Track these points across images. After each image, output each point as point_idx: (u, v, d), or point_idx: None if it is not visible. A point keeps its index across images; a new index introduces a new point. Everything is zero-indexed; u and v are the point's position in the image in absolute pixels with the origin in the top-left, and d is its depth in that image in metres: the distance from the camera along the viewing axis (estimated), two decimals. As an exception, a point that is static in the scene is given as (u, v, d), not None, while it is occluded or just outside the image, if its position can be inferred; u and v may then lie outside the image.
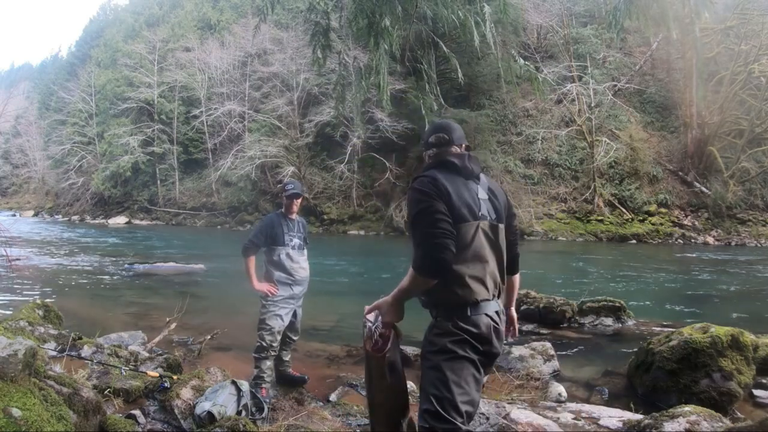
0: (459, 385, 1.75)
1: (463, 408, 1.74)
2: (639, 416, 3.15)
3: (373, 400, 1.98)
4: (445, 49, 5.82)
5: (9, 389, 2.10)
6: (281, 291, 3.72)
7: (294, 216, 3.90)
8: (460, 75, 6.02)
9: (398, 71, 19.08)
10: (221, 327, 5.48)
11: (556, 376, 4.38)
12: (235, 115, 31.04)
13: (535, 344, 4.76)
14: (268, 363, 3.66)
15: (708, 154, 22.48)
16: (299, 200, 3.87)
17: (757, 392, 3.81)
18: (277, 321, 3.68)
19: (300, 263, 3.83)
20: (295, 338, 4.01)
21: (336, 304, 7.86)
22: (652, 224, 21.47)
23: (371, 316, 1.88)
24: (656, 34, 23.61)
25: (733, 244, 20.15)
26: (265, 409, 3.18)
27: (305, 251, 3.94)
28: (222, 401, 2.91)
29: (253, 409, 3.17)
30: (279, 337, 3.70)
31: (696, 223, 21.58)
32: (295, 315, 3.88)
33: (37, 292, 8.26)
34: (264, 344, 3.64)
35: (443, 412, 1.71)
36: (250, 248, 3.73)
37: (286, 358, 3.98)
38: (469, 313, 1.80)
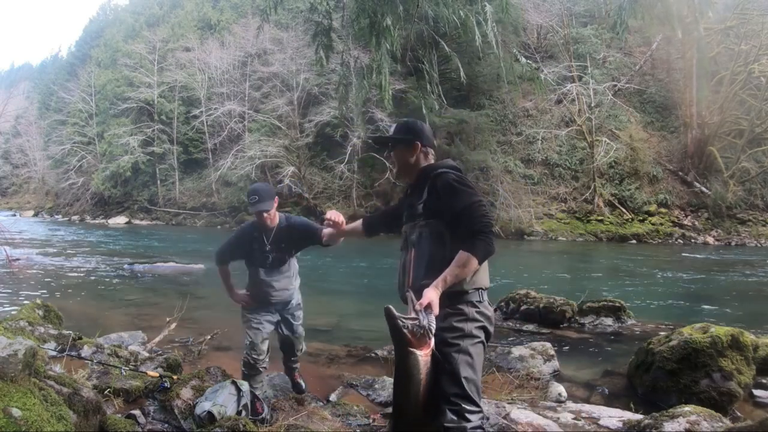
0: (480, 368, 1.89)
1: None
2: (639, 416, 3.15)
3: (412, 398, 1.77)
4: (447, 48, 5.83)
5: (9, 389, 2.09)
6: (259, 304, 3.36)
7: (274, 224, 3.23)
8: (462, 75, 6.02)
9: (398, 71, 19.09)
10: (221, 327, 5.48)
11: (556, 376, 4.38)
12: (235, 115, 31.03)
13: (535, 344, 4.76)
14: (259, 378, 3.37)
15: (708, 154, 22.48)
16: (271, 212, 3.15)
17: (757, 392, 3.81)
18: (256, 332, 3.29)
19: (274, 286, 3.27)
20: (299, 347, 3.61)
21: (336, 304, 7.86)
22: (652, 224, 21.46)
23: (414, 314, 1.75)
24: (659, 33, 23.59)
25: (733, 244, 20.15)
26: (266, 409, 3.18)
27: (290, 265, 3.34)
28: (222, 401, 2.91)
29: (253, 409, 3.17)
30: (264, 348, 3.32)
31: (696, 223, 21.58)
32: (289, 327, 3.48)
33: (37, 292, 8.26)
34: (249, 360, 3.29)
35: (472, 395, 1.80)
36: (218, 258, 3.41)
37: (295, 365, 3.70)
38: (486, 299, 1.96)
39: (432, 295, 1.75)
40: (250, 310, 3.35)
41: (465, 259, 1.78)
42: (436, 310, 1.73)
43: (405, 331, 1.69)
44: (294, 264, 3.43)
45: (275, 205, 3.18)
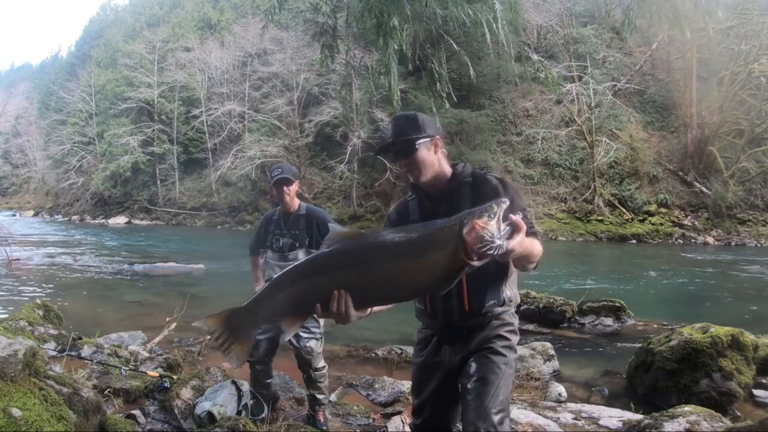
0: None
1: None
2: (639, 416, 3.15)
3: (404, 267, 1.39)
4: (456, 47, 5.80)
5: (9, 389, 2.09)
6: None
7: (293, 208, 3.12)
8: (472, 73, 6.01)
9: (400, 71, 19.07)
10: (221, 327, 5.46)
11: (556, 376, 4.38)
12: (235, 115, 31.05)
13: (535, 344, 4.76)
14: (267, 380, 3.23)
15: (708, 154, 22.47)
16: (291, 187, 3.04)
17: (757, 392, 3.81)
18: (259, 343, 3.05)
19: (277, 272, 2.72)
20: (314, 364, 3.16)
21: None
22: (652, 224, 21.45)
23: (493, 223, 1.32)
24: (666, 33, 23.48)
25: (733, 244, 20.13)
26: (266, 409, 3.18)
27: (300, 254, 3.00)
28: (222, 401, 2.91)
29: (253, 409, 3.17)
30: (265, 365, 3.17)
31: (696, 223, 21.57)
32: (296, 337, 3.09)
33: (37, 292, 8.26)
34: (253, 375, 3.17)
35: (509, 416, 1.65)
36: (250, 247, 3.36)
37: (320, 397, 3.21)
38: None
39: (524, 228, 1.36)
40: None
41: (535, 243, 1.51)
42: (512, 244, 1.32)
43: (472, 219, 1.30)
44: None
45: (296, 186, 3.10)
